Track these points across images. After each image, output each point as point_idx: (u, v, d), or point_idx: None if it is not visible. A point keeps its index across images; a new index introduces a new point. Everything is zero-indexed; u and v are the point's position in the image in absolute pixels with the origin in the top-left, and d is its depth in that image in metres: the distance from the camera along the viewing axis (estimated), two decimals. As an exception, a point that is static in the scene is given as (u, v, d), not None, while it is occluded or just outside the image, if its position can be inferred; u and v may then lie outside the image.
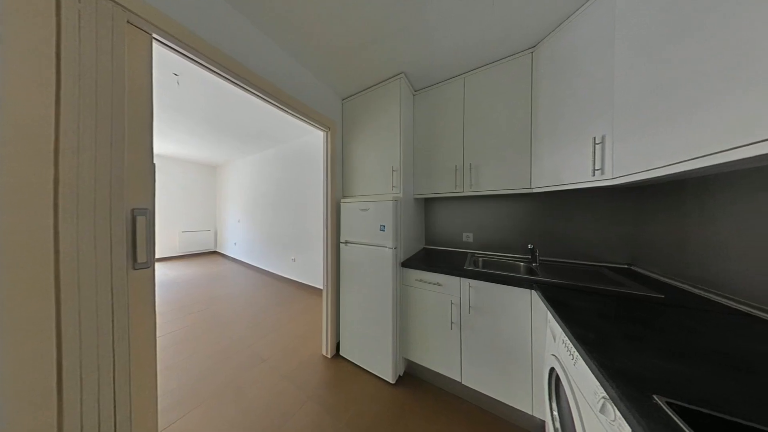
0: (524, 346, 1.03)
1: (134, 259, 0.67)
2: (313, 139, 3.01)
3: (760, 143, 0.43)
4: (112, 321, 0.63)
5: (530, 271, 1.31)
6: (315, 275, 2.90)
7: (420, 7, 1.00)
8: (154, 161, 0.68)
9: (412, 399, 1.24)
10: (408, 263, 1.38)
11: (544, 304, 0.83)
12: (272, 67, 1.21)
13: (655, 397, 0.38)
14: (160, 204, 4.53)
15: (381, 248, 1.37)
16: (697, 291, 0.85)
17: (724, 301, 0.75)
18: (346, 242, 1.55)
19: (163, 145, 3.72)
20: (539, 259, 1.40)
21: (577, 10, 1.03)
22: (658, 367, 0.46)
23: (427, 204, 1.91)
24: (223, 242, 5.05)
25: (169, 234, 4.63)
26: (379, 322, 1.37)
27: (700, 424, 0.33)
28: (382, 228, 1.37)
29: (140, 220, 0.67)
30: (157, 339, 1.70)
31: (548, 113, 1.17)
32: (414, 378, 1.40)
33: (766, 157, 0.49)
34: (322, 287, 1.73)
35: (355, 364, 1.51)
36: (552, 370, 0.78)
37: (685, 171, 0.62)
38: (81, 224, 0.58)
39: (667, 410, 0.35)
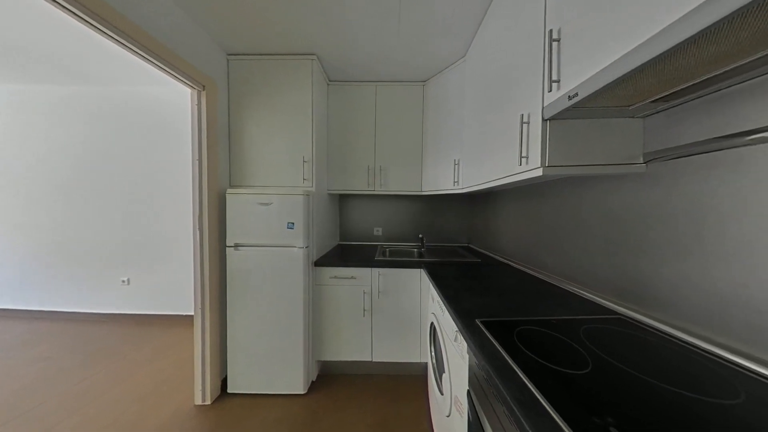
0: (416, 312, 1.34)
1: None
2: (172, 95, 1.96)
3: (508, 177, 0.84)
4: None
5: (420, 254, 1.71)
6: (174, 298, 2.03)
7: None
8: None
9: (326, 399, 1.25)
10: (322, 261, 1.35)
11: (428, 277, 1.13)
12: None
13: (477, 320, 0.65)
14: None
15: (289, 249, 1.23)
16: (493, 255, 1.49)
17: (502, 259, 1.39)
18: (237, 245, 1.24)
19: None
20: (426, 245, 1.86)
21: (447, 67, 1.44)
22: (477, 303, 0.78)
23: (342, 200, 1.94)
24: None
25: None
26: (287, 332, 1.25)
27: (492, 327, 0.61)
28: (290, 226, 1.23)
29: None
30: None
31: (432, 136, 1.57)
32: (327, 376, 1.42)
33: (511, 185, 0.97)
34: (192, 312, 1.27)
35: (252, 395, 1.26)
36: (432, 324, 1.09)
37: (488, 187, 1.08)
38: None
39: (481, 327, 0.62)
